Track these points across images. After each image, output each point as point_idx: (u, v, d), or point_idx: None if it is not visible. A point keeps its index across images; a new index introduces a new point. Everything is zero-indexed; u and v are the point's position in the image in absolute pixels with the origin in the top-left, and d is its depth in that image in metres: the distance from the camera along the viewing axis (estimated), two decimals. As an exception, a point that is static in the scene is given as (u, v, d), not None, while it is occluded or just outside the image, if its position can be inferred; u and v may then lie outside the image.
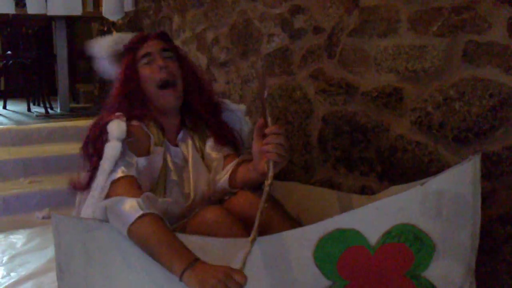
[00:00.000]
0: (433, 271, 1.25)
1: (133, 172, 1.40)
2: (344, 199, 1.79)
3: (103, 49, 1.74)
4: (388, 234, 1.24)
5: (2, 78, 4.71)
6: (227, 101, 1.83)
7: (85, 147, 1.51)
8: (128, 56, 1.65)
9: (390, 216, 1.25)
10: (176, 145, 1.64)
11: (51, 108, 4.48)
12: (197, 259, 1.17)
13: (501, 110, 1.48)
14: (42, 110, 4.36)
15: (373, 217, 1.25)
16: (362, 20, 1.92)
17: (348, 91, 2.00)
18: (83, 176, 1.49)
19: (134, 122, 1.53)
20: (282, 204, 1.57)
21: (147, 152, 1.51)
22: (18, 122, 3.85)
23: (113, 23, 4.51)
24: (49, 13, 3.51)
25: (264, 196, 1.23)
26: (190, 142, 1.66)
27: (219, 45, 2.82)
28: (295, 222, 1.52)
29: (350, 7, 1.98)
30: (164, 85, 1.58)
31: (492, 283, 1.52)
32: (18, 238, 2.39)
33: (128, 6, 3.69)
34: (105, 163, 1.38)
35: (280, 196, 1.88)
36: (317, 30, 2.14)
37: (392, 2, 1.80)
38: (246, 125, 1.82)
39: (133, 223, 1.23)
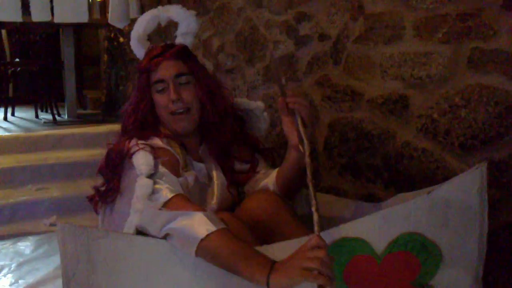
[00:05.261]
0: (440, 280, 1.25)
1: (180, 190, 1.35)
2: (350, 206, 1.79)
3: (140, 25, 1.64)
4: (394, 243, 1.24)
5: (11, 85, 4.74)
6: (245, 100, 1.78)
7: (103, 171, 1.49)
8: (141, 76, 1.56)
9: (397, 225, 1.24)
10: (199, 160, 1.59)
11: (59, 115, 4.51)
12: (274, 262, 1.14)
13: (507, 118, 1.48)
14: (50, 117, 4.38)
15: (380, 226, 1.25)
16: (367, 27, 1.92)
17: (353, 98, 2.00)
18: (100, 193, 1.50)
19: (158, 141, 1.47)
20: (293, 208, 1.56)
21: (179, 174, 1.44)
22: (26, 129, 3.88)
23: (120, 30, 4.54)
24: (56, 21, 3.53)
25: (307, 158, 1.25)
26: (211, 157, 1.61)
27: (225, 52, 2.83)
28: (305, 227, 1.50)
29: (355, 14, 1.98)
30: (176, 113, 1.53)
31: (499, 291, 1.51)
32: (26, 245, 2.40)
33: (134, 13, 3.71)
34: (138, 203, 1.33)
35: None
36: (322, 37, 2.15)
37: (397, 9, 1.80)
38: (264, 121, 1.79)
39: (204, 239, 1.18)
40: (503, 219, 1.49)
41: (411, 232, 1.23)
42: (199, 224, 1.19)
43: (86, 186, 1.61)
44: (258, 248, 1.26)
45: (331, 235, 1.25)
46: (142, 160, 1.38)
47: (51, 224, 2.66)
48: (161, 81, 1.52)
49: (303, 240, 1.22)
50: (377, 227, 1.24)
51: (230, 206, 1.58)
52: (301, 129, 1.34)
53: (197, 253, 1.20)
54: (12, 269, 2.16)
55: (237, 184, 1.66)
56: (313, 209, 1.17)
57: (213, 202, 1.55)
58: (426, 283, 1.25)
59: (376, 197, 1.91)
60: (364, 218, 1.27)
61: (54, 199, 2.81)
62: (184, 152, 1.53)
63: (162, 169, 1.39)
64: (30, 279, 2.06)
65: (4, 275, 2.10)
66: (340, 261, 1.25)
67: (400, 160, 1.81)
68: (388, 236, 1.24)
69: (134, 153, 1.40)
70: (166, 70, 1.52)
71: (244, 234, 1.35)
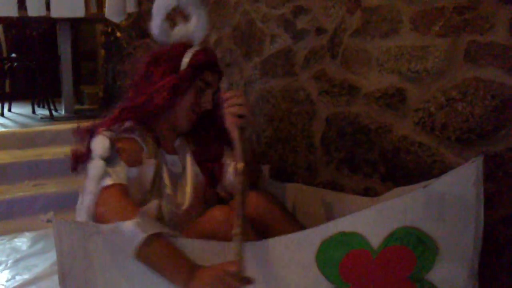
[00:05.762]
0: (436, 274, 1.25)
1: (123, 181, 1.40)
2: (347, 200, 1.79)
3: (162, 6, 1.65)
4: (390, 237, 1.24)
5: (7, 81, 4.72)
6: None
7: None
8: (191, 70, 1.56)
9: (393, 219, 1.24)
10: (174, 153, 1.63)
11: (56, 110, 4.49)
12: (196, 267, 1.22)
13: (504, 111, 1.48)
14: (47, 113, 4.36)
15: (376, 220, 1.25)
16: (364, 21, 1.91)
17: (350, 92, 1.99)
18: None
19: (127, 134, 1.51)
20: (285, 206, 1.59)
21: (138, 163, 1.49)
22: (22, 125, 3.87)
23: (117, 24, 4.52)
24: (52, 15, 3.52)
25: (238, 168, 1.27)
26: (187, 148, 1.67)
27: (222, 46, 2.82)
28: (298, 224, 1.53)
29: (352, 8, 1.97)
30: (195, 114, 1.61)
31: (495, 285, 1.51)
32: (22, 242, 2.40)
33: (131, 7, 3.69)
34: (90, 185, 1.38)
35: (283, 198, 1.89)
36: (319, 31, 2.14)
37: (394, 2, 1.79)
38: None
39: (136, 248, 1.23)
40: (499, 212, 1.49)
41: (407, 226, 1.23)
42: (130, 235, 1.24)
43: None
44: (255, 243, 1.28)
45: (327, 230, 1.25)
46: (98, 143, 1.44)
47: (48, 220, 2.64)
48: (209, 85, 1.60)
49: (293, 236, 1.27)
50: (373, 221, 1.25)
51: (203, 203, 1.62)
52: (237, 142, 1.34)
53: (137, 260, 1.27)
54: (8, 265, 2.16)
55: (215, 184, 1.69)
56: (235, 231, 1.19)
57: (188, 189, 1.60)
58: (422, 277, 1.25)
59: (374, 191, 1.91)
60: (360, 213, 1.27)
61: (51, 195, 2.80)
62: (155, 146, 1.55)
63: (117, 157, 1.44)
64: (27, 275, 2.06)
65: (1, 271, 2.10)
66: (336, 255, 1.25)
67: (397, 154, 1.81)
68: (384, 230, 1.24)
69: (93, 136, 1.46)
70: (216, 81, 1.63)
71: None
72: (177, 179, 1.60)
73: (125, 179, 1.42)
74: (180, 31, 1.66)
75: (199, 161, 1.66)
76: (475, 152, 1.54)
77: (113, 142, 1.45)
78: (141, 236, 1.22)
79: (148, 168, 1.50)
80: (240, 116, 1.37)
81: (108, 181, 1.38)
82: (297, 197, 1.95)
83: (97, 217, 1.35)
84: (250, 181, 1.58)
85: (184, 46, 1.62)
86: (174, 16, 1.68)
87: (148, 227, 1.24)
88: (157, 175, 1.53)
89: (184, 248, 1.29)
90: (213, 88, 1.61)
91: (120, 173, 1.41)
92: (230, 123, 1.38)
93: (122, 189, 1.38)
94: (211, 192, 1.67)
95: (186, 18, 1.69)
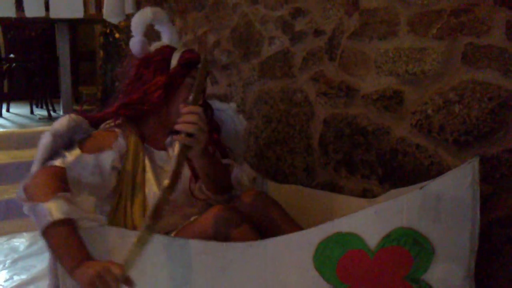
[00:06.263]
0: (433, 275, 1.26)
1: (66, 165, 1.43)
2: (344, 202, 1.80)
3: (140, 22, 1.73)
4: (387, 237, 1.25)
5: (6, 81, 4.72)
6: (215, 101, 1.86)
7: None
8: (181, 68, 1.63)
9: (389, 220, 1.25)
10: (163, 149, 1.66)
11: (54, 111, 4.50)
12: (87, 259, 1.26)
13: (500, 113, 1.49)
14: (45, 113, 4.37)
15: (372, 221, 1.26)
16: (362, 23, 1.92)
17: (348, 94, 2.00)
18: None
19: (113, 128, 1.57)
20: (283, 207, 1.59)
21: (99, 150, 1.52)
22: (21, 125, 3.87)
23: (116, 25, 4.52)
24: (51, 16, 3.52)
25: (166, 185, 1.27)
26: (177, 145, 1.67)
27: (220, 48, 2.83)
28: (295, 225, 1.54)
29: (350, 10, 1.98)
30: None
31: (491, 286, 1.52)
32: (20, 242, 2.40)
33: (129, 8, 3.69)
34: (37, 152, 1.46)
35: (281, 199, 1.89)
36: (317, 32, 2.15)
37: (392, 5, 1.80)
38: (240, 124, 1.83)
39: (43, 230, 1.29)
40: (496, 213, 1.50)
41: (404, 227, 1.24)
42: (42, 215, 1.29)
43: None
44: (253, 243, 1.29)
45: (324, 230, 1.26)
46: (59, 119, 1.52)
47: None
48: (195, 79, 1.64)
49: (290, 237, 1.28)
50: (370, 222, 1.25)
51: (191, 199, 1.63)
52: (174, 158, 1.32)
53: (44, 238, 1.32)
54: (6, 265, 2.16)
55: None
56: (135, 240, 1.20)
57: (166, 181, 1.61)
58: (419, 278, 1.26)
59: (371, 193, 1.92)
60: (357, 213, 1.28)
61: (49, 195, 2.80)
62: (138, 140, 1.59)
63: (75, 144, 1.50)
64: (25, 276, 2.06)
65: (-1, 271, 2.10)
66: (333, 256, 1.26)
67: (395, 156, 1.82)
68: (381, 231, 1.25)
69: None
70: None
71: (245, 227, 1.40)
72: (164, 174, 1.61)
73: (71, 164, 1.44)
74: (157, 46, 1.74)
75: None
76: (473, 154, 1.55)
77: (76, 123, 1.53)
78: (48, 219, 1.27)
79: (107, 154, 1.51)
80: (189, 135, 1.33)
81: (54, 162, 1.43)
82: (295, 198, 1.96)
83: (23, 187, 1.39)
84: (221, 194, 1.62)
85: (171, 48, 1.70)
86: (147, 33, 1.75)
87: (58, 212, 1.28)
88: (138, 169, 1.56)
89: (101, 236, 1.34)
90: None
91: (68, 157, 1.46)
92: (177, 138, 1.36)
93: (58, 172, 1.41)
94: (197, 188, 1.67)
95: (158, 34, 1.81)
